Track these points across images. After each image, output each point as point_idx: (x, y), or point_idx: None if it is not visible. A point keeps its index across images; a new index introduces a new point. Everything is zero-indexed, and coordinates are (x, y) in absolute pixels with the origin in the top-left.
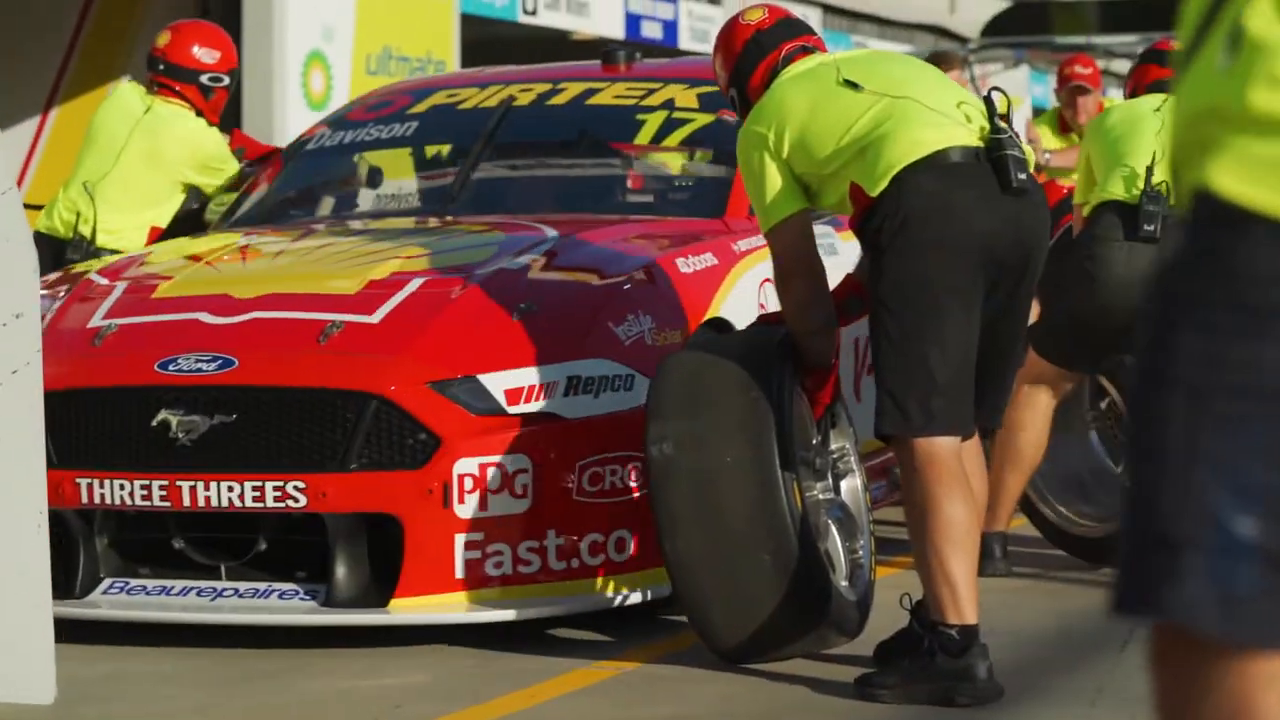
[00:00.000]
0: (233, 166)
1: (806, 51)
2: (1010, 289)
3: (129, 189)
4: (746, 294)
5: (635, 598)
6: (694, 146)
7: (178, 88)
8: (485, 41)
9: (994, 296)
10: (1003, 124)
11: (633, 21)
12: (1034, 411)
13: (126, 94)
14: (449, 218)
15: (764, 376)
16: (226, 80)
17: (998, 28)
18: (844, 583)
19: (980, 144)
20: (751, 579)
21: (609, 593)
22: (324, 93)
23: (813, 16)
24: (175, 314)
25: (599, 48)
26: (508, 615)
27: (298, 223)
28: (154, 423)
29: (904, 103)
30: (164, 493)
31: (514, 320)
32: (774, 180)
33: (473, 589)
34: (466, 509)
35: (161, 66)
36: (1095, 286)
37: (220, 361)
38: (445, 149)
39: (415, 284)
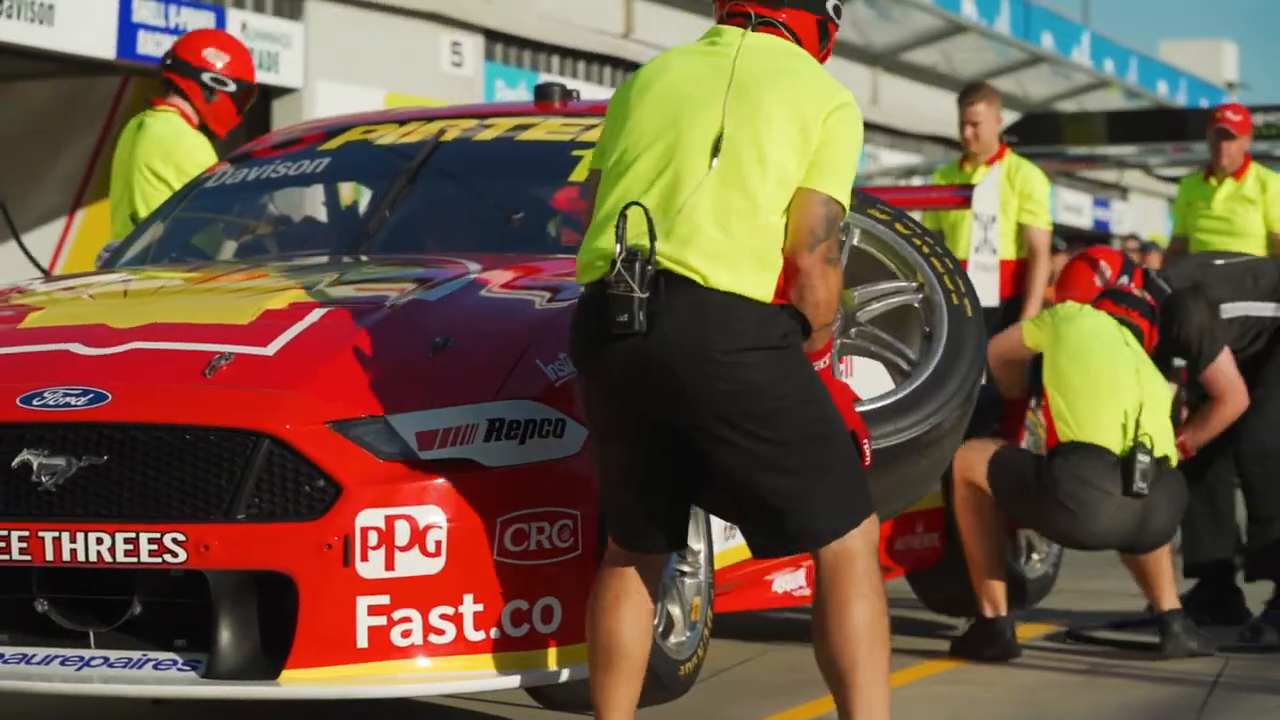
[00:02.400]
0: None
1: (748, 20)
2: (682, 426)
3: (148, 206)
4: None
5: (563, 676)
6: None
7: (180, 83)
8: None
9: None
10: (626, 255)
11: None
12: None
13: (127, 129)
14: (363, 258)
15: None
16: (232, 86)
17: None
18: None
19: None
20: None
21: (534, 669)
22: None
23: None
24: (43, 344)
25: None
26: (416, 691)
27: (189, 263)
28: (14, 464)
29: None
30: (24, 545)
31: (429, 355)
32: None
33: (376, 660)
34: (370, 568)
35: (169, 61)
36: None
37: (91, 395)
38: (359, 187)
39: (317, 314)
